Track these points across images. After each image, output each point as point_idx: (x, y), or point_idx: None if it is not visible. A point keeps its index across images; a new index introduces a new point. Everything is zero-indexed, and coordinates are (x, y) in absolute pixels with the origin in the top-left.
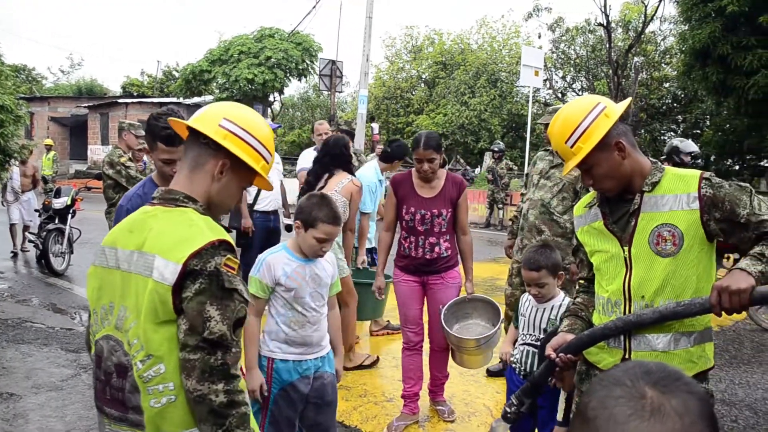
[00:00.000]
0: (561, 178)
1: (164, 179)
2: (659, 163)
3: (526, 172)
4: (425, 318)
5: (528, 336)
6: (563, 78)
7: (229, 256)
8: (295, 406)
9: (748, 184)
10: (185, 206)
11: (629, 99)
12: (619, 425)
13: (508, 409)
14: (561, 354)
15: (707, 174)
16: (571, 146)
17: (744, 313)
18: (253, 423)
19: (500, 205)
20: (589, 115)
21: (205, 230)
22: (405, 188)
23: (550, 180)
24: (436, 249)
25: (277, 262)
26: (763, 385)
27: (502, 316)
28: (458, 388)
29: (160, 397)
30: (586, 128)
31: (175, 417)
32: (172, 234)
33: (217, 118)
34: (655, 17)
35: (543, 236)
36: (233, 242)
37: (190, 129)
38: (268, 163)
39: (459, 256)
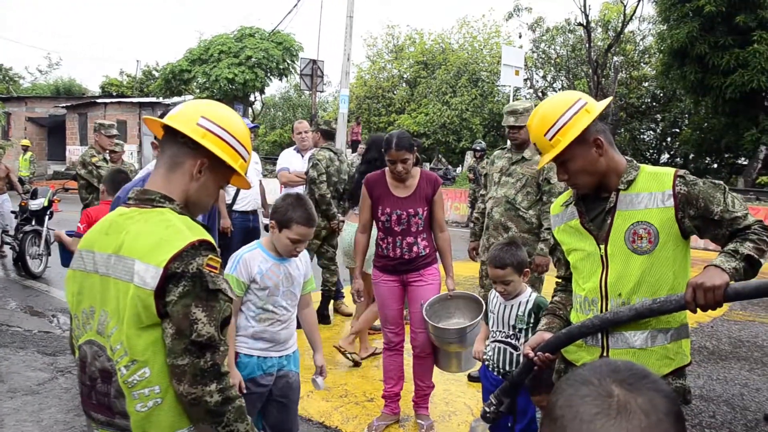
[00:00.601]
0: (523, 174)
1: None
2: (635, 162)
3: (484, 172)
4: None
5: (498, 333)
6: (544, 77)
7: (210, 255)
8: (255, 401)
9: (722, 182)
10: (162, 206)
11: (610, 98)
12: (585, 423)
13: (487, 409)
14: (539, 353)
15: (681, 172)
16: (550, 139)
17: (721, 310)
18: None
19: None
20: (570, 110)
21: (185, 231)
22: (379, 189)
23: (512, 176)
24: (414, 248)
25: (253, 259)
26: (741, 381)
27: (485, 307)
28: (438, 388)
29: (147, 401)
30: (566, 122)
31: (162, 420)
32: (151, 236)
33: (194, 116)
34: (634, 17)
35: (510, 233)
36: (214, 241)
37: (167, 127)
38: (246, 161)
39: (437, 254)
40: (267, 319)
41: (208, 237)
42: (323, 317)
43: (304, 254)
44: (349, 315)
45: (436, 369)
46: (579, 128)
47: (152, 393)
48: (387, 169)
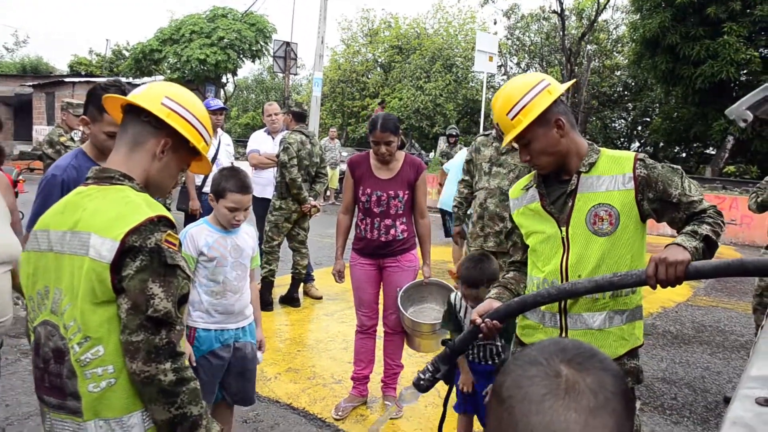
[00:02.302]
0: (515, 164)
1: (103, 154)
2: (595, 145)
3: (467, 158)
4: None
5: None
6: (518, 64)
7: (169, 231)
8: (216, 372)
9: (679, 167)
10: (121, 184)
11: (573, 80)
12: (534, 404)
13: (422, 376)
14: (487, 320)
15: (641, 155)
16: (512, 118)
17: (686, 295)
18: None
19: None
20: (532, 90)
21: (143, 206)
22: (362, 169)
23: (503, 167)
24: (392, 231)
25: (200, 233)
26: (702, 364)
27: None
28: (406, 370)
29: (99, 381)
30: (527, 102)
31: (115, 401)
32: (108, 211)
33: (159, 96)
34: (607, 6)
35: (506, 222)
36: (173, 218)
37: (129, 107)
38: (207, 144)
39: (416, 239)
40: (218, 292)
41: (168, 214)
42: (293, 300)
43: (252, 230)
44: (319, 298)
45: (405, 351)
46: (540, 108)
47: (105, 373)
48: (371, 150)
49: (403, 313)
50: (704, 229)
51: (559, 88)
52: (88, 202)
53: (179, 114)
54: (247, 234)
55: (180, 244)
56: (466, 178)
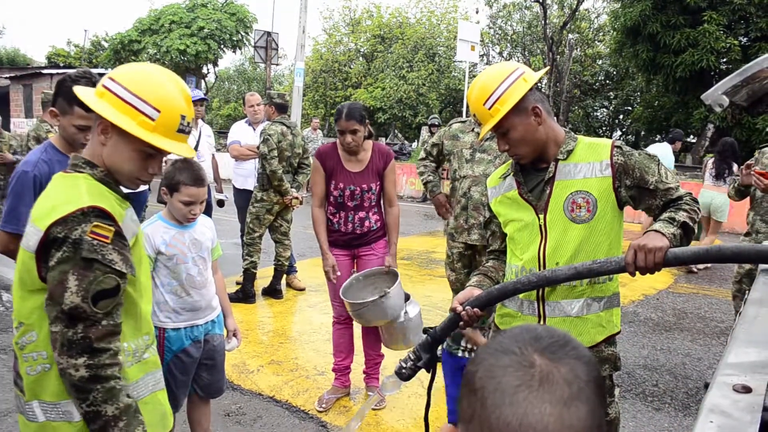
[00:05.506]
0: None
1: (72, 147)
2: (572, 133)
3: (434, 141)
4: None
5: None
6: (500, 54)
7: (97, 222)
8: (188, 370)
9: (655, 154)
10: (82, 171)
11: (547, 68)
12: (507, 396)
13: (403, 365)
14: (467, 308)
15: (618, 142)
16: (489, 108)
17: (667, 282)
18: (162, 395)
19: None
20: (508, 79)
21: (83, 196)
22: (332, 162)
23: (487, 153)
24: (366, 223)
25: (156, 231)
26: (683, 351)
27: (396, 284)
28: (389, 360)
29: (35, 365)
30: (504, 91)
31: (50, 386)
32: (50, 200)
33: (105, 79)
34: None
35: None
36: (111, 210)
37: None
38: (153, 120)
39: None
40: (182, 288)
41: (106, 204)
42: (276, 292)
43: (209, 221)
44: (302, 290)
45: None
46: (517, 96)
47: (40, 358)
48: (338, 140)
49: (345, 300)
50: (681, 216)
51: (534, 76)
52: (49, 190)
53: (113, 92)
54: (205, 226)
55: (114, 236)
56: (430, 158)
